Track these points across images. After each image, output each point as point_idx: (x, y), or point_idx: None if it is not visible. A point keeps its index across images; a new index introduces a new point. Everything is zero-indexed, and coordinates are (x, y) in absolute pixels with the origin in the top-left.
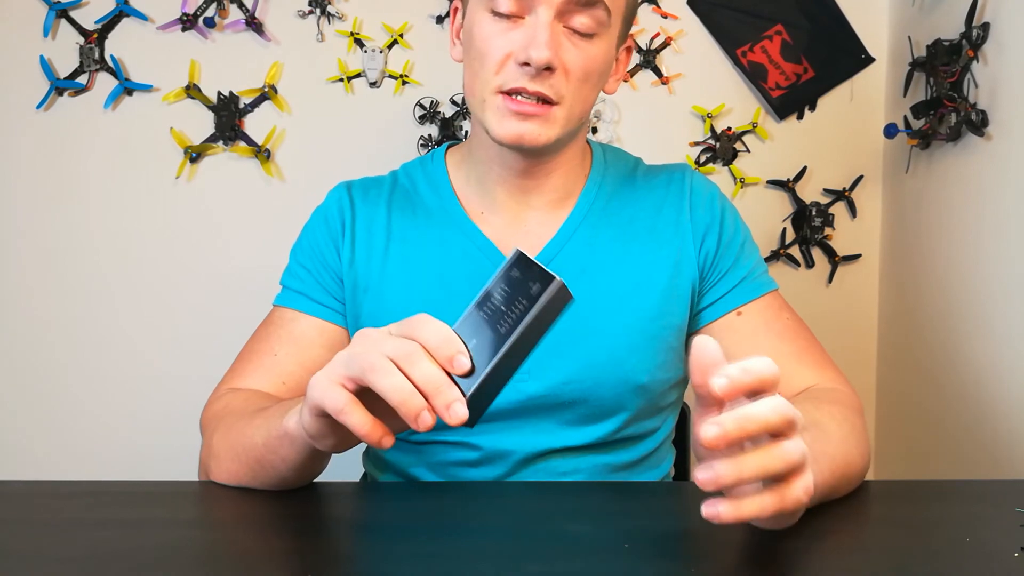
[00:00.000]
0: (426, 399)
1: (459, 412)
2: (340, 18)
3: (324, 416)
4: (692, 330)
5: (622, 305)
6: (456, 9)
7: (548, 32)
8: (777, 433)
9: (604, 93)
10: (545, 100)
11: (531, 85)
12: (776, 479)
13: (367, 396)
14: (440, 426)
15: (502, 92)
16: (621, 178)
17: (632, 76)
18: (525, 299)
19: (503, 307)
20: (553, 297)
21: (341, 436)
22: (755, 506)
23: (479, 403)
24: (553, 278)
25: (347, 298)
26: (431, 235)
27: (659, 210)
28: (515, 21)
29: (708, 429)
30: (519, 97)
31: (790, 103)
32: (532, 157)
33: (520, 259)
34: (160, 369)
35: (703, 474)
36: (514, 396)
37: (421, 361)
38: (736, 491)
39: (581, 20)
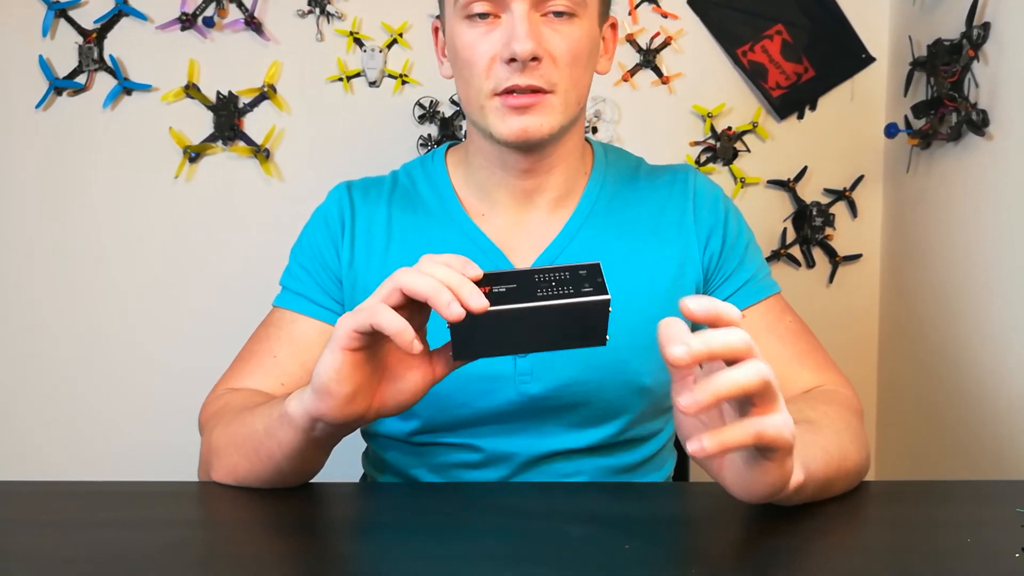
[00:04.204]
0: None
1: (480, 299)
2: (339, 17)
3: (351, 349)
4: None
5: (625, 306)
6: (437, 29)
7: (526, 24)
8: (740, 359)
9: (598, 74)
10: (539, 90)
11: (522, 80)
12: (751, 404)
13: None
14: (443, 427)
15: (497, 95)
16: (623, 178)
17: (632, 76)
18: (573, 288)
19: (553, 282)
20: (597, 304)
21: (360, 381)
22: (736, 432)
23: (481, 333)
24: (607, 293)
25: (346, 298)
26: (432, 235)
27: (662, 210)
28: (492, 22)
29: (676, 349)
30: (514, 93)
31: (790, 103)
32: (535, 153)
33: (595, 267)
34: (160, 369)
35: (684, 399)
36: (516, 398)
37: (439, 266)
38: (718, 428)
39: (556, 3)
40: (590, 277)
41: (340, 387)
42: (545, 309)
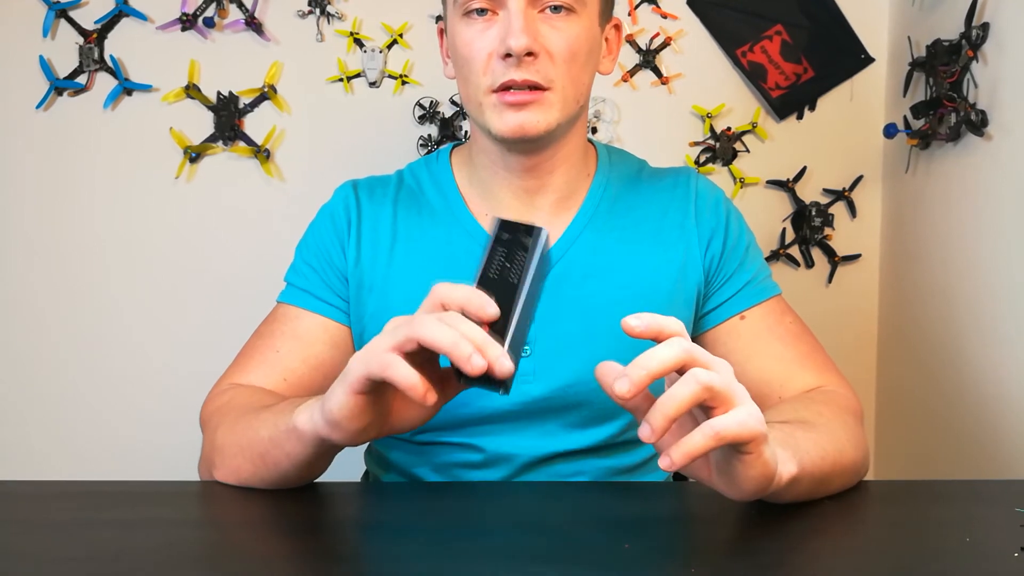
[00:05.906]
0: None
1: (506, 364)
2: (340, 18)
3: (362, 393)
4: (696, 334)
5: (627, 308)
6: (441, 31)
7: (522, 19)
8: (684, 369)
9: (600, 74)
10: (536, 87)
11: (519, 75)
12: (709, 408)
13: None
14: (445, 426)
15: (494, 91)
16: (626, 180)
17: (632, 76)
18: (522, 250)
19: (507, 263)
20: (545, 242)
21: (371, 419)
22: (698, 438)
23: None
24: (536, 226)
25: (352, 297)
26: (436, 235)
27: (664, 213)
28: (490, 19)
29: (619, 385)
30: (512, 90)
31: (790, 103)
32: (535, 152)
33: (504, 224)
34: (160, 368)
35: (641, 431)
36: (518, 398)
37: (463, 320)
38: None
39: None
40: (512, 229)
41: (351, 423)
42: (531, 283)
